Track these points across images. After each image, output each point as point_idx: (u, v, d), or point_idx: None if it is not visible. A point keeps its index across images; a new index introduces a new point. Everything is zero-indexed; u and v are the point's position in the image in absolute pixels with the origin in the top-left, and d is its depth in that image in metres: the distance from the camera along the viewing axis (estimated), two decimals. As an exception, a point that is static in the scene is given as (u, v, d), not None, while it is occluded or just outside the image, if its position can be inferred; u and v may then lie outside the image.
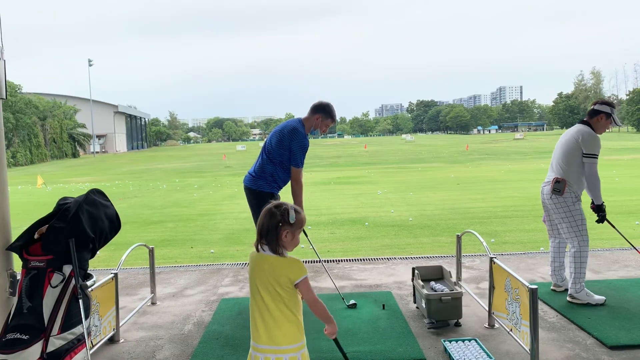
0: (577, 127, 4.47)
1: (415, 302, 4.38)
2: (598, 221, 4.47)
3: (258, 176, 4.33)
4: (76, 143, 63.46)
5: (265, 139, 4.73)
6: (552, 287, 4.75)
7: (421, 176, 19.60)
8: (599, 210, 4.41)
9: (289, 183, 4.41)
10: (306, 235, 4.73)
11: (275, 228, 2.32)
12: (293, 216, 2.32)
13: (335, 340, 2.51)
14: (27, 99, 52.93)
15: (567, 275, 4.74)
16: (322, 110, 4.36)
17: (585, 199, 4.43)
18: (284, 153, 4.25)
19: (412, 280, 4.37)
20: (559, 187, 4.36)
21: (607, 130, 4.59)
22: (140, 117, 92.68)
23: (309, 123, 4.37)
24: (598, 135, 4.42)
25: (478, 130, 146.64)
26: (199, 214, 11.35)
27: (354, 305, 4.44)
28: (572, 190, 4.37)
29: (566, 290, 4.59)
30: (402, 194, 13.68)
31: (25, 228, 2.86)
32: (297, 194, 4.35)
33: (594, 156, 4.31)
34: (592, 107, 4.53)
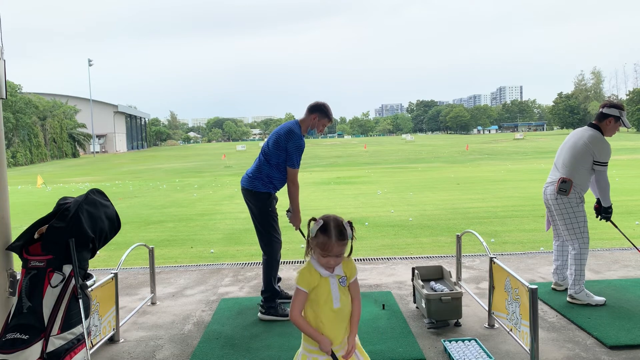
0: (589, 132, 4.38)
1: (415, 302, 4.38)
2: (602, 219, 4.48)
3: (254, 177, 4.34)
4: (76, 143, 63.44)
5: (265, 140, 4.75)
6: (552, 286, 4.75)
7: (421, 176, 19.60)
8: (606, 212, 4.40)
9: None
10: (304, 236, 4.74)
11: (309, 235, 2.39)
12: (313, 230, 2.33)
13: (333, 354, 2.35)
14: (27, 99, 52.92)
15: (569, 274, 4.75)
16: (319, 110, 4.38)
17: (588, 199, 4.43)
18: (280, 154, 4.27)
19: (412, 280, 4.37)
20: (565, 187, 4.33)
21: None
22: (140, 117, 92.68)
23: (305, 124, 4.39)
24: (607, 138, 4.40)
25: (478, 130, 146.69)
26: (199, 214, 11.35)
27: (354, 305, 4.44)
28: (577, 192, 4.35)
29: (566, 289, 4.59)
30: (402, 194, 13.68)
31: (25, 228, 2.86)
32: (293, 194, 4.36)
33: (606, 164, 4.31)
34: (600, 110, 4.46)
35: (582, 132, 4.45)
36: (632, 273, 5.23)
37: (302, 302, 2.37)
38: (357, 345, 2.49)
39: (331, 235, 2.30)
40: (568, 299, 4.38)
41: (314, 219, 2.39)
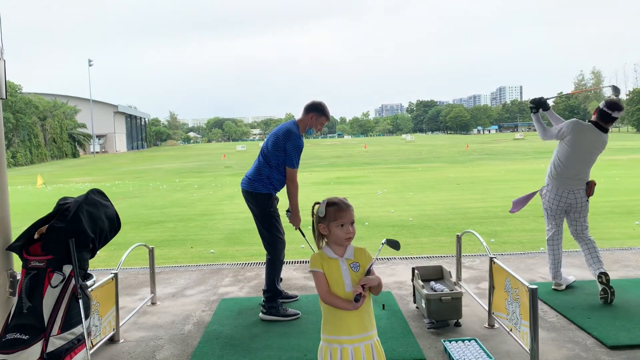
0: (603, 136, 4.58)
1: (415, 302, 4.38)
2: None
3: (254, 179, 4.35)
4: (76, 143, 63.43)
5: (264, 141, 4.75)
6: (553, 287, 4.76)
7: (421, 176, 19.60)
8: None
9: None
10: (304, 236, 4.74)
11: (314, 224, 2.50)
12: (322, 210, 2.44)
13: None
14: (27, 99, 52.89)
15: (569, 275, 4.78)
16: (316, 109, 4.39)
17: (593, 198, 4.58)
18: (279, 155, 4.28)
19: (412, 280, 4.37)
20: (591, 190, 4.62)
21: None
22: (140, 117, 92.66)
23: (303, 123, 4.40)
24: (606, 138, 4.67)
25: (478, 130, 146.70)
26: (199, 214, 11.35)
27: (354, 305, 4.44)
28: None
29: (567, 289, 4.61)
30: (402, 194, 13.68)
31: (25, 228, 2.86)
32: (292, 194, 4.36)
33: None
34: (608, 112, 4.54)
35: (600, 138, 4.59)
36: (632, 273, 5.24)
37: (323, 281, 2.41)
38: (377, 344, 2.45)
39: (339, 203, 2.45)
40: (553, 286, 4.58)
41: (317, 203, 2.50)
